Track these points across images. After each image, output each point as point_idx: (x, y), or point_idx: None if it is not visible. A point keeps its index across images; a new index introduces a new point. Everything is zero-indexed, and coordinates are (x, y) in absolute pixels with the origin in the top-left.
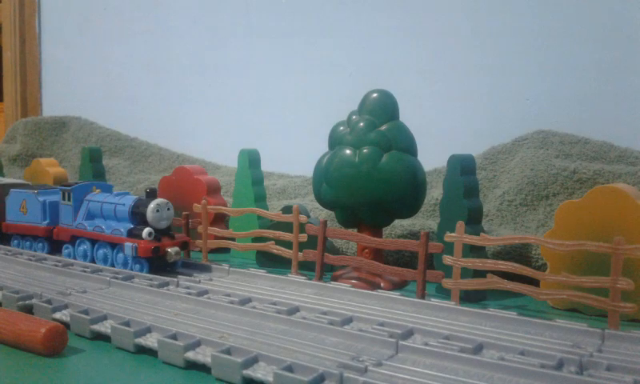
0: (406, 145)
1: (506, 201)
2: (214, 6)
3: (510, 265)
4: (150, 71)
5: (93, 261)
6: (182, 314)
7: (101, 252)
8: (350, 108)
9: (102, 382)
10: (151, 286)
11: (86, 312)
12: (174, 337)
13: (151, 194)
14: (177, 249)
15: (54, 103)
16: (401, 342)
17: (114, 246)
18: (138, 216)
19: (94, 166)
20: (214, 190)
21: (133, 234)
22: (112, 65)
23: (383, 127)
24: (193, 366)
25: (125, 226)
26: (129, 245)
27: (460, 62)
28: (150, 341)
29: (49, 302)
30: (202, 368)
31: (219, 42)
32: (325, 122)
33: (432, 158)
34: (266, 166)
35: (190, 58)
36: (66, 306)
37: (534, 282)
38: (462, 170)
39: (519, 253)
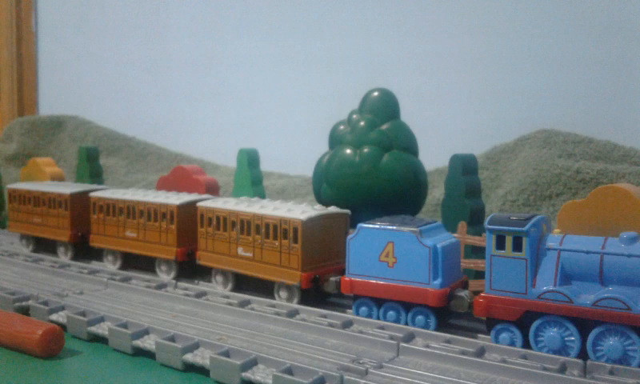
0: (407, 144)
1: (509, 201)
2: (213, 4)
3: None
4: (148, 69)
5: (580, 356)
6: (180, 315)
7: (612, 343)
8: (351, 107)
9: None
10: (149, 288)
11: (83, 314)
12: (172, 339)
13: None
14: None
15: (51, 102)
16: (402, 344)
17: None
18: None
19: (91, 166)
20: (212, 190)
21: None
22: (109, 63)
23: (384, 126)
24: (191, 368)
25: None
26: None
27: (461, 61)
28: (148, 343)
29: (45, 303)
30: (201, 370)
31: (218, 41)
32: (325, 121)
33: (433, 157)
34: (265, 166)
35: (188, 56)
36: (62, 308)
37: None
38: (464, 169)
39: None
